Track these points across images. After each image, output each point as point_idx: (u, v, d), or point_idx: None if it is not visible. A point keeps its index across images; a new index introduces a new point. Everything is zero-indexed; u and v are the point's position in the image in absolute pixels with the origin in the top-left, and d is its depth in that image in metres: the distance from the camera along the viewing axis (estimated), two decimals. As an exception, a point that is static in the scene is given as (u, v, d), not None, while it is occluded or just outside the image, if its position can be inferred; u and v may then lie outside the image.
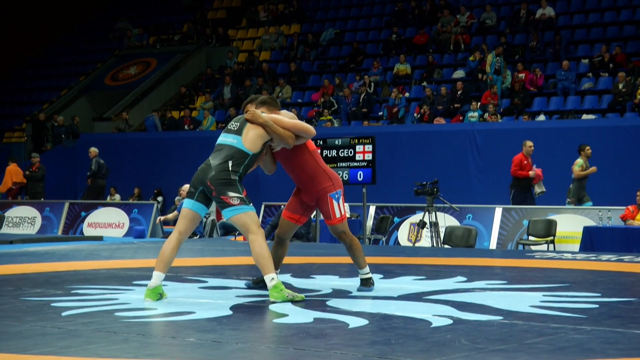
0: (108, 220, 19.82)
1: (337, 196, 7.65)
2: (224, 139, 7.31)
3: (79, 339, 5.35)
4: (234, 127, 7.31)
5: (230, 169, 7.12)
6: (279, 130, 7.27)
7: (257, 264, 7.06)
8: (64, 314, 6.34)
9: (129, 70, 30.20)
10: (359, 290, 7.71)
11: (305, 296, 7.14)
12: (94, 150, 22.57)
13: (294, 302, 6.86)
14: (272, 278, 6.97)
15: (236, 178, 7.12)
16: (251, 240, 7.08)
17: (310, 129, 7.47)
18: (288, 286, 7.44)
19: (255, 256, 7.04)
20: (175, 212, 17.39)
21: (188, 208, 7.24)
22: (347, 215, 16.92)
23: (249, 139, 7.21)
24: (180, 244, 7.24)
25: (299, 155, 7.53)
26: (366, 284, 7.75)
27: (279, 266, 7.68)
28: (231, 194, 7.06)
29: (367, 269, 7.75)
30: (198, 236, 16.91)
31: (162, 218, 18.23)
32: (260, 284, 7.69)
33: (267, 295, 7.08)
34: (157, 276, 7.09)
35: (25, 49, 34.31)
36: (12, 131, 30.65)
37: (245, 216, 7.11)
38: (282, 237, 7.79)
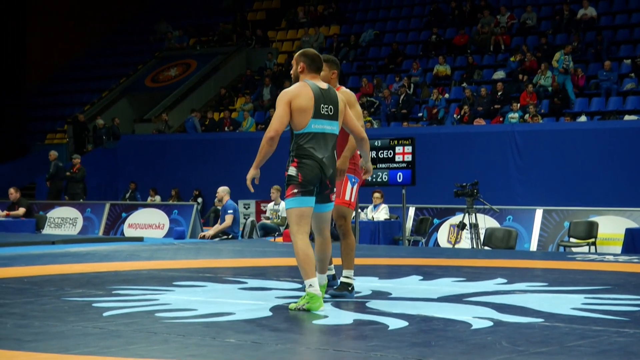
0: (148, 221, 19.95)
1: (353, 180, 7.50)
2: (327, 127, 6.80)
3: (119, 340, 5.38)
4: (330, 112, 6.80)
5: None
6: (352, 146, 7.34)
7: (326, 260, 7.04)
8: (105, 314, 6.38)
9: (169, 72, 30.37)
10: (331, 294, 7.28)
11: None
12: (53, 153, 23.06)
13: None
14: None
15: None
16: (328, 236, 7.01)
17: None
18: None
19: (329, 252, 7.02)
20: (231, 217, 16.81)
21: (312, 207, 6.80)
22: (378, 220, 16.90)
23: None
24: None
25: (345, 136, 7.38)
26: (344, 288, 7.36)
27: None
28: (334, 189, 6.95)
29: (351, 272, 7.42)
30: (230, 236, 16.85)
31: (203, 234, 17.32)
32: (340, 290, 7.43)
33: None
34: (321, 277, 6.93)
35: (67, 51, 34.62)
36: (54, 133, 30.95)
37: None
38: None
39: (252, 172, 6.82)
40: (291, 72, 7.03)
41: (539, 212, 15.82)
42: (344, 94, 7.30)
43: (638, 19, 24.59)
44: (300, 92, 6.75)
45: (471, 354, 4.95)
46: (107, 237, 18.35)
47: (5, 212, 18.71)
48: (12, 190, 18.86)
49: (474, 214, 14.96)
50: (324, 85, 6.86)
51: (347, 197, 7.47)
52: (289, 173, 6.73)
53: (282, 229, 17.70)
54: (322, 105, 6.76)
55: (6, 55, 29.96)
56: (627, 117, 20.55)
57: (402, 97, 23.77)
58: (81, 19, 34.75)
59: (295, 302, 6.68)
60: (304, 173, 6.68)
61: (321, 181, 6.74)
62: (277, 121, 6.68)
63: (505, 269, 9.97)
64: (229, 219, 16.62)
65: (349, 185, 7.49)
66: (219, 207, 17.31)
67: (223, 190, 17.03)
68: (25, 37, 30.94)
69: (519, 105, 21.63)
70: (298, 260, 6.66)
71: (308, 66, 6.89)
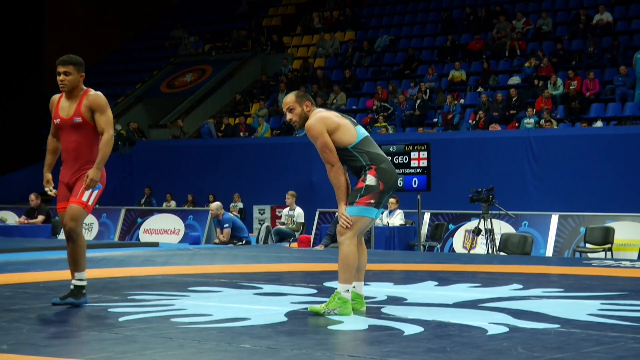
0: (164, 227, 19.98)
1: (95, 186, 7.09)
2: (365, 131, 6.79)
3: (135, 345, 5.39)
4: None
5: None
6: None
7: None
8: (120, 319, 6.39)
9: (185, 78, 30.44)
10: (57, 302, 7.07)
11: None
12: None
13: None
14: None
15: None
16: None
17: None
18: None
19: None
20: (227, 231, 17.12)
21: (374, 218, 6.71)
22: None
23: None
24: None
25: (94, 131, 7.14)
26: (74, 294, 7.12)
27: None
28: None
29: (84, 275, 7.19)
30: (243, 242, 16.99)
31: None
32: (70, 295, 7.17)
33: (318, 302, 7.04)
34: (359, 285, 6.77)
35: (83, 57, 34.37)
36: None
37: None
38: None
39: (343, 209, 6.52)
40: (293, 119, 6.65)
41: (554, 218, 15.77)
42: (96, 98, 7.16)
43: (654, 24, 24.52)
44: (322, 116, 6.56)
45: (487, 360, 4.95)
46: (123, 243, 18.40)
47: (24, 219, 18.82)
48: (32, 196, 19.01)
49: (489, 220, 14.94)
50: None
51: (84, 198, 7.05)
52: (367, 183, 6.49)
53: (297, 234, 17.72)
54: (347, 116, 6.76)
55: (24, 61, 30.11)
56: (643, 123, 20.47)
57: (417, 102, 23.76)
58: (98, 25, 34.89)
59: (319, 305, 6.66)
60: (385, 179, 6.50)
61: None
62: (328, 153, 6.49)
63: (521, 275, 9.95)
64: (226, 233, 17.07)
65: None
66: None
67: (216, 208, 17.24)
68: (43, 43, 31.10)
69: (534, 110, 21.59)
70: (344, 263, 6.53)
71: (312, 102, 6.72)
